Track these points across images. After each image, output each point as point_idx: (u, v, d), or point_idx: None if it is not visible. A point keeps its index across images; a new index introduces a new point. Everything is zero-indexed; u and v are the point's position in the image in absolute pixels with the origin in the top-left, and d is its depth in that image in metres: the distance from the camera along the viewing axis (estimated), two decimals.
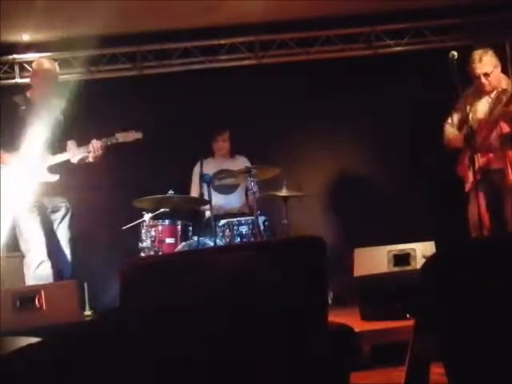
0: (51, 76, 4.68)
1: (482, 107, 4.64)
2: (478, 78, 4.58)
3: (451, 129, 4.81)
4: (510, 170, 4.47)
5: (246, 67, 6.53)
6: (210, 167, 5.69)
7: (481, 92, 4.66)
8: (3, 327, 3.41)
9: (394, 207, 6.27)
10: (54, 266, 4.48)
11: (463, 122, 4.67)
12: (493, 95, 4.58)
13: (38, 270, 4.42)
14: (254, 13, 5.94)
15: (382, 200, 6.42)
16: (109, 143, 4.64)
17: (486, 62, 4.57)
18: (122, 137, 4.68)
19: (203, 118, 6.14)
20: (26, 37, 6.10)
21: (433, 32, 6.40)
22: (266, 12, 5.97)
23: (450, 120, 4.83)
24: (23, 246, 4.55)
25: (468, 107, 4.62)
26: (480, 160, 4.48)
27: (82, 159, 4.63)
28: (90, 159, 4.61)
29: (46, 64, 4.77)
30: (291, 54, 6.56)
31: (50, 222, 4.62)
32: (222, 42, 6.48)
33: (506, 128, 4.48)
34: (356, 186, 6.62)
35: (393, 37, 6.52)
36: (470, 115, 4.62)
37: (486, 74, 4.56)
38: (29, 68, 5.81)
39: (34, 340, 1.72)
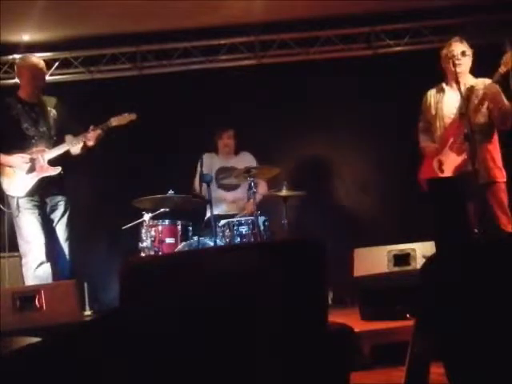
0: (37, 72, 4.67)
1: (449, 102, 4.49)
2: (455, 57, 4.40)
3: (422, 136, 4.70)
4: (485, 166, 4.37)
5: (246, 67, 6.53)
6: (215, 164, 5.71)
7: (448, 83, 4.51)
8: (3, 327, 3.41)
9: (394, 207, 6.28)
10: (53, 266, 4.48)
11: (430, 124, 4.62)
12: (462, 89, 4.34)
13: (37, 270, 4.42)
14: (254, 13, 5.95)
15: (382, 200, 6.43)
16: (104, 128, 4.64)
17: (465, 44, 4.48)
18: (116, 120, 4.68)
19: (203, 117, 6.15)
20: (25, 37, 6.10)
21: (433, 32, 6.41)
22: (266, 12, 5.97)
23: (421, 125, 4.73)
24: (23, 247, 4.54)
25: (434, 105, 4.55)
26: (455, 161, 4.36)
27: (84, 146, 4.62)
28: (91, 143, 4.60)
29: (31, 60, 4.77)
30: (291, 54, 6.56)
31: (49, 220, 4.62)
32: (222, 42, 6.49)
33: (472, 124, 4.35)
34: (356, 186, 6.63)
35: (393, 37, 6.52)
36: (438, 115, 4.52)
37: (464, 53, 4.42)
38: None
39: (33, 340, 1.73)
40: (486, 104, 4.36)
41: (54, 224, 4.64)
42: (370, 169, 6.55)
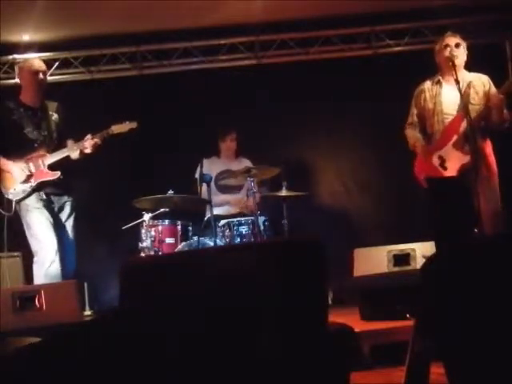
0: (38, 75, 4.66)
1: (448, 97, 4.41)
2: (449, 48, 4.38)
3: (411, 131, 4.60)
4: (486, 162, 4.31)
5: (246, 67, 6.53)
6: (217, 167, 5.71)
7: (444, 77, 4.46)
8: (3, 327, 3.41)
9: (394, 207, 6.28)
10: (61, 265, 4.49)
11: (422, 117, 4.54)
12: (461, 85, 4.29)
13: (49, 268, 4.42)
14: (254, 13, 5.95)
15: (382, 200, 6.43)
16: (105, 136, 4.64)
17: (459, 37, 4.45)
18: (116, 128, 4.67)
19: (203, 118, 6.15)
20: (25, 37, 6.10)
21: (433, 32, 6.40)
22: (265, 12, 5.97)
23: (410, 120, 4.63)
24: (35, 246, 4.53)
25: (430, 99, 4.49)
26: (460, 159, 4.29)
27: (81, 153, 4.62)
28: (88, 151, 4.60)
29: (32, 63, 4.76)
30: (291, 53, 6.56)
31: (57, 220, 4.63)
32: (222, 42, 6.49)
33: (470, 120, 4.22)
34: (356, 186, 6.63)
35: (393, 37, 6.53)
36: (435, 109, 4.46)
37: (458, 45, 4.40)
38: None
39: (33, 340, 1.73)
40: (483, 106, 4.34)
41: (61, 224, 4.65)
42: (370, 169, 6.54)
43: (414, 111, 4.63)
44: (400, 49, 6.52)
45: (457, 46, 4.42)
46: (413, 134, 4.60)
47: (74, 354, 1.48)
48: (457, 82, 4.20)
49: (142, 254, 5.09)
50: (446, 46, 4.43)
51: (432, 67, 4.71)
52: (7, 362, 1.47)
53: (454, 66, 4.32)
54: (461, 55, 4.44)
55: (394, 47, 6.54)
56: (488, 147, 4.41)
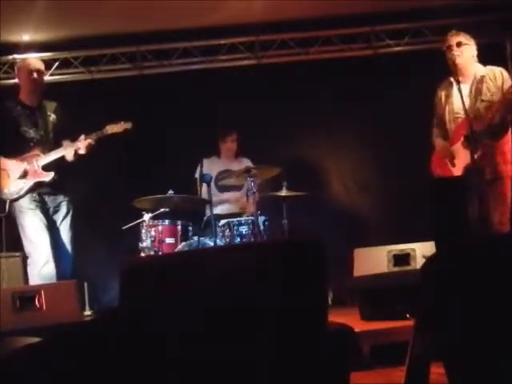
0: (36, 74, 4.66)
1: (459, 97, 4.31)
2: (450, 48, 4.36)
3: (434, 130, 4.63)
4: (494, 162, 4.27)
5: (246, 67, 6.54)
6: (217, 167, 5.71)
7: (454, 77, 4.37)
8: (3, 327, 3.41)
9: (394, 207, 6.27)
10: (56, 267, 4.49)
11: (440, 116, 4.56)
12: (469, 83, 4.35)
13: (43, 269, 4.43)
14: (254, 13, 5.95)
15: (382, 200, 6.42)
16: (99, 136, 4.64)
17: (462, 35, 4.42)
18: (111, 128, 4.67)
19: (203, 118, 6.15)
20: (25, 37, 6.10)
21: (433, 32, 6.41)
22: (265, 12, 5.97)
23: (435, 120, 4.65)
24: (28, 247, 4.54)
25: (444, 99, 4.50)
26: (467, 158, 4.19)
27: (76, 154, 4.61)
28: (82, 151, 4.60)
29: (30, 62, 4.76)
30: (291, 53, 6.56)
31: (52, 221, 4.62)
32: (222, 42, 6.49)
33: (485, 120, 4.23)
34: (356, 186, 6.63)
35: (393, 37, 6.53)
36: (447, 109, 4.48)
37: (460, 44, 4.36)
38: None
39: (33, 340, 1.73)
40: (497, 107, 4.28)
41: (58, 225, 4.64)
42: (370, 169, 6.54)
43: (435, 111, 4.65)
44: (400, 49, 6.53)
45: (458, 44, 4.40)
46: (434, 133, 4.64)
47: (74, 354, 1.48)
48: (457, 82, 4.20)
49: (142, 254, 5.09)
50: (448, 47, 4.43)
51: (431, 67, 4.71)
52: (7, 362, 1.47)
53: (454, 66, 4.32)
54: (464, 53, 4.40)
55: (394, 47, 6.54)
56: (502, 147, 4.34)
